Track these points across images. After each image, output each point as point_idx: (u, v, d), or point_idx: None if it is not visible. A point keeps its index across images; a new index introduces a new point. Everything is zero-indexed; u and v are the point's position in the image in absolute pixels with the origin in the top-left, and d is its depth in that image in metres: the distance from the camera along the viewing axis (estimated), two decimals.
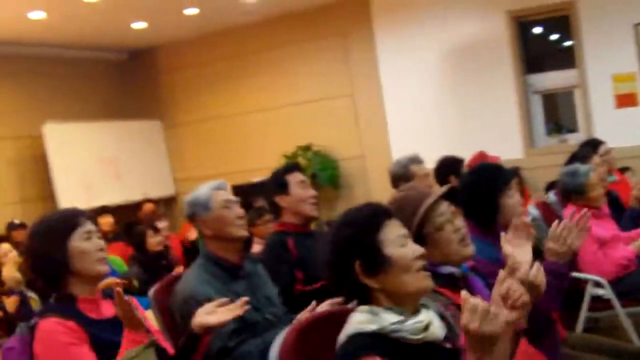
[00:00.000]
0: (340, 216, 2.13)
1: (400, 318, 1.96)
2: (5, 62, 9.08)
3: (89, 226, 2.54)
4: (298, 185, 3.69)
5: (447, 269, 2.45)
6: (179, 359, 2.46)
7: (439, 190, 2.58)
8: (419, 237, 2.34)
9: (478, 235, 2.98)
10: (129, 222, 7.75)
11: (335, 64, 9.22)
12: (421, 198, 2.48)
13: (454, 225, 2.49)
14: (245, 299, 2.51)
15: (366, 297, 2.05)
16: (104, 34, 9.23)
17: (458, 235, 2.48)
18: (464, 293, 1.80)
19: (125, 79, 10.87)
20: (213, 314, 2.47)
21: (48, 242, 2.48)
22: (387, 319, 1.96)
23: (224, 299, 2.53)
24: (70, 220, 2.53)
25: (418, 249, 2.06)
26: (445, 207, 2.51)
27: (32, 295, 5.19)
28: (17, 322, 4.46)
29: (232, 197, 3.20)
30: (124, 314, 2.34)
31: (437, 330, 2.00)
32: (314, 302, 2.83)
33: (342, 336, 2.00)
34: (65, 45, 9.54)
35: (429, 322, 1.98)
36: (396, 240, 2.04)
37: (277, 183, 3.72)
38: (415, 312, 2.02)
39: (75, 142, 9.27)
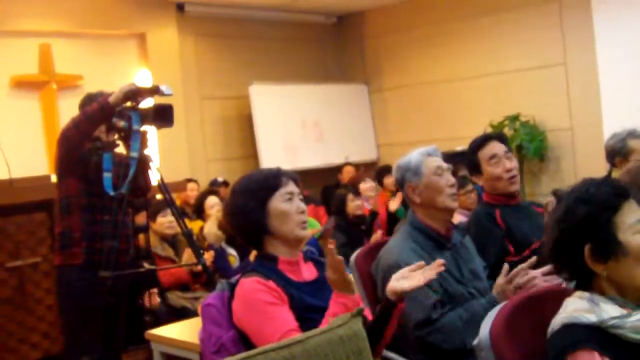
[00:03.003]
0: (573, 191, 1.94)
1: (622, 312, 1.78)
2: (214, 23, 9.43)
3: (291, 187, 2.51)
4: (488, 163, 3.44)
5: None
6: (375, 326, 2.39)
7: None
8: None
9: None
10: (327, 185, 7.87)
11: (548, 32, 8.75)
12: None
13: None
14: (441, 260, 2.36)
15: (588, 282, 1.88)
16: None
17: None
18: None
19: (332, 43, 10.98)
20: (407, 279, 2.34)
21: (249, 202, 2.47)
22: (608, 312, 1.78)
23: (418, 263, 2.40)
24: (272, 180, 2.51)
25: None
26: None
27: (231, 252, 5.37)
28: (214, 276, 4.68)
29: (444, 164, 3.06)
30: (335, 273, 2.30)
31: None
32: (506, 266, 2.75)
33: (557, 323, 1.85)
34: (276, 8, 9.76)
35: None
36: (634, 226, 1.84)
37: (469, 163, 3.56)
38: (639, 306, 1.82)
39: (279, 104, 9.46)
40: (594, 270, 1.86)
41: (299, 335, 1.85)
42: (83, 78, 8.01)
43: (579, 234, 1.86)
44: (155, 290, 4.93)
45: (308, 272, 2.54)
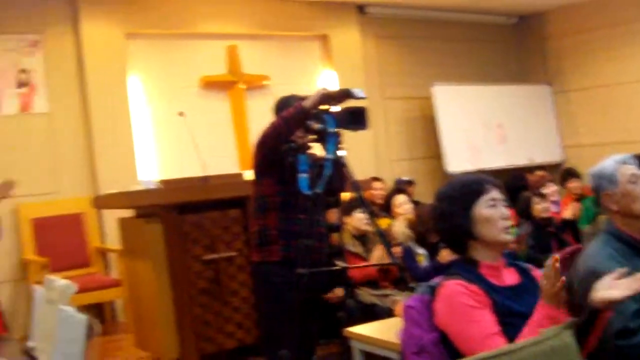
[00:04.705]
0: None
1: None
2: (394, 24, 9.48)
3: (494, 194, 2.52)
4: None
5: None
6: (578, 334, 2.33)
7: None
8: None
9: None
10: (514, 187, 7.71)
11: None
12: None
13: None
14: None
15: None
16: None
17: None
18: None
19: (514, 43, 10.77)
20: (615, 287, 2.25)
21: (454, 207, 2.51)
22: None
23: (622, 269, 2.30)
24: (476, 187, 2.53)
25: None
26: None
27: (420, 251, 5.37)
28: (401, 273, 4.71)
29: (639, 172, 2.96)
30: (552, 286, 2.27)
31: None
32: None
33: None
34: (457, 9, 9.69)
35: None
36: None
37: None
38: None
39: (462, 105, 9.39)
40: None
41: (511, 345, 1.84)
42: (269, 78, 8.28)
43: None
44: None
45: (509, 277, 2.53)
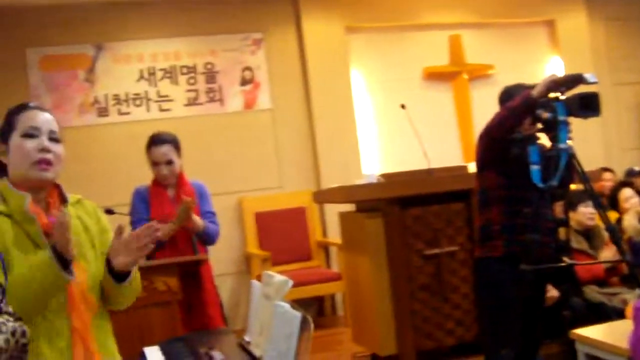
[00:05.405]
0: None
1: None
2: (625, 6, 8.85)
3: None
4: None
5: None
6: None
7: None
8: None
9: None
10: None
11: None
12: None
13: None
14: None
15: None
16: None
17: None
18: None
19: None
20: None
21: None
22: None
23: None
24: None
25: None
26: None
27: None
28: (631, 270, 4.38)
29: None
30: None
31: None
32: None
33: None
34: None
35: None
36: None
37: None
38: None
39: None
40: None
41: None
42: (494, 67, 8.05)
43: None
44: None
45: None
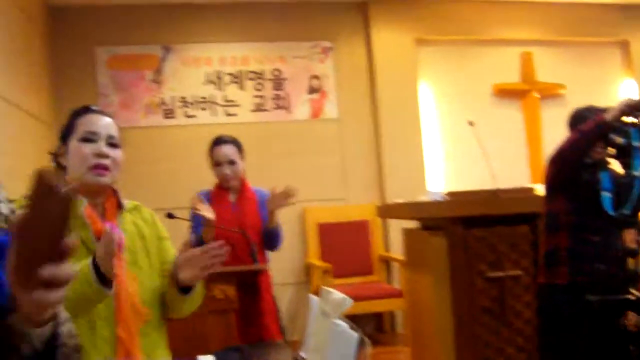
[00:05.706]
0: None
1: None
2: None
3: None
4: None
5: None
6: None
7: None
8: None
9: None
10: None
11: None
12: None
13: None
14: None
15: None
16: None
17: None
18: None
19: None
20: None
21: None
22: None
23: None
24: None
25: None
26: None
27: None
28: None
29: None
30: None
31: None
32: None
33: None
34: None
35: None
36: None
37: None
38: None
39: None
40: None
41: None
42: (565, 87, 7.86)
43: None
44: None
45: None
